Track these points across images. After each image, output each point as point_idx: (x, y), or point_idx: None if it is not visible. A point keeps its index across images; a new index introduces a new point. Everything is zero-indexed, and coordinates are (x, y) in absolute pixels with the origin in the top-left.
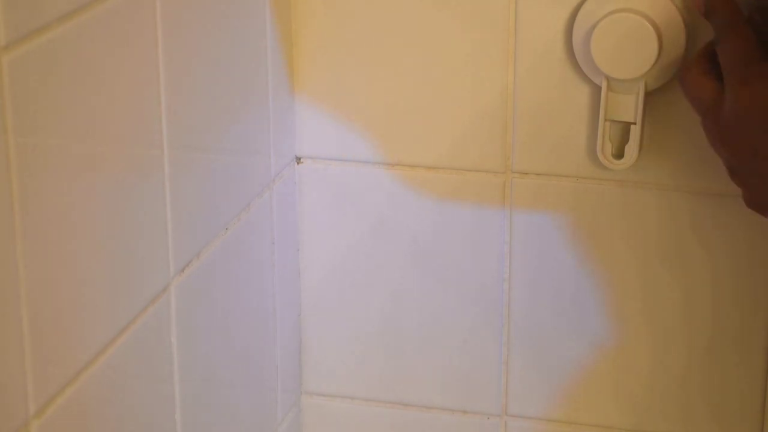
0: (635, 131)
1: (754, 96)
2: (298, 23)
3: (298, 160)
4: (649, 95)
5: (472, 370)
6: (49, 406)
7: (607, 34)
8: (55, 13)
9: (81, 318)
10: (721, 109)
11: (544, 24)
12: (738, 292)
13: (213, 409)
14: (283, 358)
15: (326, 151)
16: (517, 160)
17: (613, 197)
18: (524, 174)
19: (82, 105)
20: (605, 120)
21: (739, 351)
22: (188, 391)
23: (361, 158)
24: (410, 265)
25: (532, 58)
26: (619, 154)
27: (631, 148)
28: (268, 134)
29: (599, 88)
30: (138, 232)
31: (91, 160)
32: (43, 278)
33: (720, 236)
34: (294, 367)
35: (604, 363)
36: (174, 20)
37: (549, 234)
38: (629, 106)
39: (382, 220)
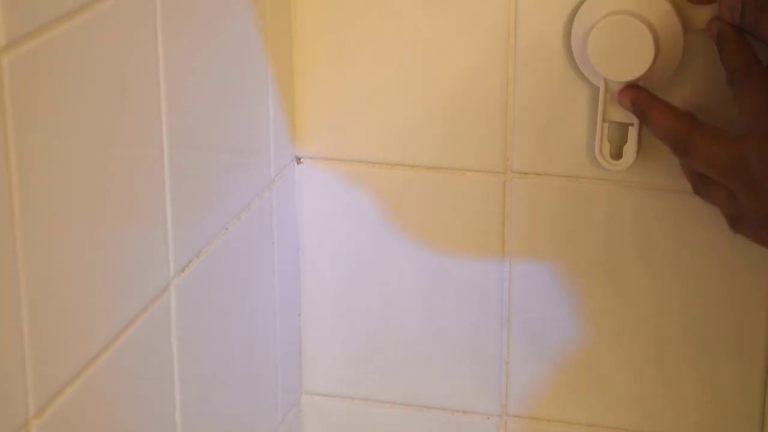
0: (633, 132)
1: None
2: (298, 22)
3: (298, 160)
4: None
5: (472, 370)
6: (49, 406)
7: (604, 36)
8: (55, 13)
9: (81, 318)
10: (746, 164)
11: (544, 25)
12: (737, 291)
13: (213, 409)
14: (283, 358)
15: (326, 151)
16: (517, 160)
17: (613, 197)
18: (524, 174)
19: (82, 105)
20: (603, 121)
21: (739, 351)
22: (188, 391)
23: (361, 158)
24: (410, 265)
25: (532, 58)
26: (618, 155)
27: (630, 149)
28: (268, 134)
29: (598, 89)
30: (138, 232)
31: (91, 160)
32: (43, 278)
33: (718, 236)
34: (294, 367)
35: (604, 363)
36: (174, 19)
37: (549, 234)
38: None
39: (382, 220)
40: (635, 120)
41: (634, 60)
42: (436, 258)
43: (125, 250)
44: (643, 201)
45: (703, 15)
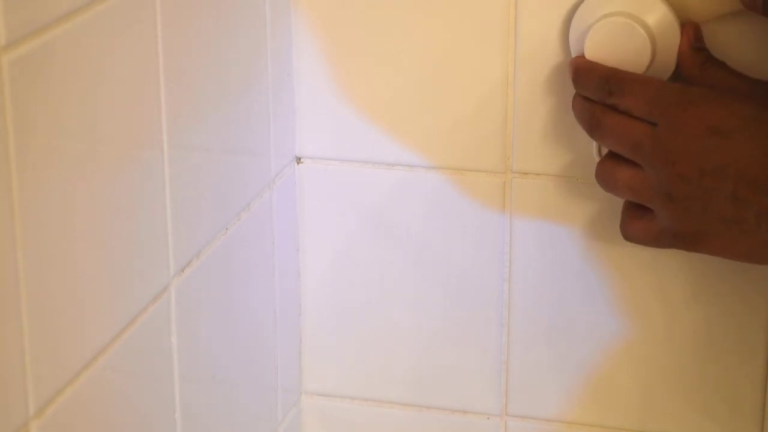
0: None
1: (698, 117)
2: (298, 22)
3: (298, 160)
4: None
5: (472, 370)
6: (49, 406)
7: (600, 38)
8: (55, 13)
9: (81, 318)
10: (657, 143)
11: (544, 25)
12: (738, 290)
13: (213, 409)
14: (283, 358)
15: (326, 151)
16: (517, 160)
17: (612, 198)
18: (524, 174)
19: (82, 105)
20: None
21: (740, 351)
22: (188, 391)
23: (361, 158)
24: (410, 266)
25: (532, 58)
26: None
27: None
28: (268, 134)
29: None
30: (138, 232)
31: (91, 160)
32: (43, 278)
33: None
34: (294, 367)
35: (603, 363)
36: (174, 20)
37: (549, 234)
38: None
39: (382, 221)
40: None
41: (630, 61)
42: (436, 258)
43: (125, 250)
44: None
45: (701, 16)
